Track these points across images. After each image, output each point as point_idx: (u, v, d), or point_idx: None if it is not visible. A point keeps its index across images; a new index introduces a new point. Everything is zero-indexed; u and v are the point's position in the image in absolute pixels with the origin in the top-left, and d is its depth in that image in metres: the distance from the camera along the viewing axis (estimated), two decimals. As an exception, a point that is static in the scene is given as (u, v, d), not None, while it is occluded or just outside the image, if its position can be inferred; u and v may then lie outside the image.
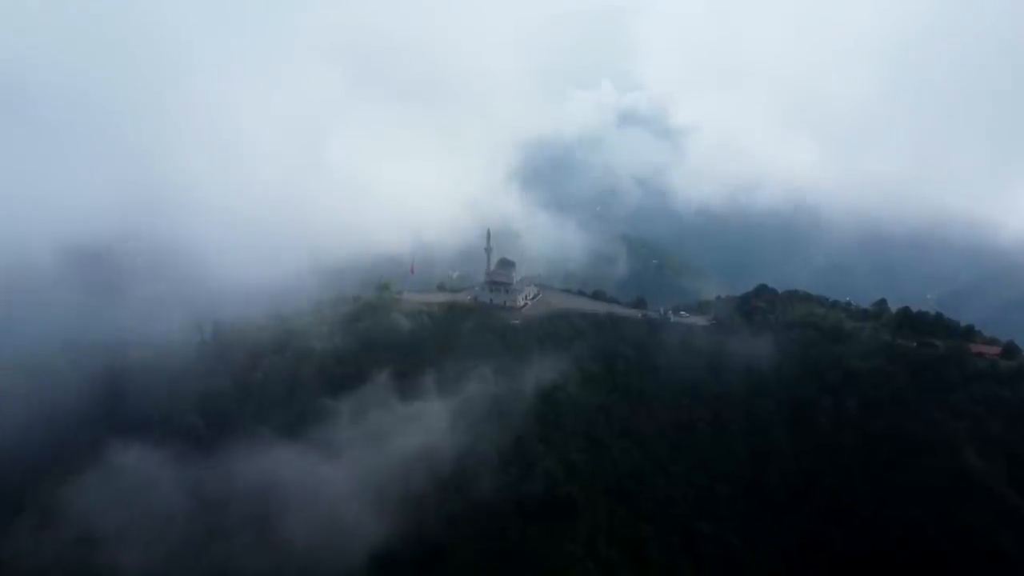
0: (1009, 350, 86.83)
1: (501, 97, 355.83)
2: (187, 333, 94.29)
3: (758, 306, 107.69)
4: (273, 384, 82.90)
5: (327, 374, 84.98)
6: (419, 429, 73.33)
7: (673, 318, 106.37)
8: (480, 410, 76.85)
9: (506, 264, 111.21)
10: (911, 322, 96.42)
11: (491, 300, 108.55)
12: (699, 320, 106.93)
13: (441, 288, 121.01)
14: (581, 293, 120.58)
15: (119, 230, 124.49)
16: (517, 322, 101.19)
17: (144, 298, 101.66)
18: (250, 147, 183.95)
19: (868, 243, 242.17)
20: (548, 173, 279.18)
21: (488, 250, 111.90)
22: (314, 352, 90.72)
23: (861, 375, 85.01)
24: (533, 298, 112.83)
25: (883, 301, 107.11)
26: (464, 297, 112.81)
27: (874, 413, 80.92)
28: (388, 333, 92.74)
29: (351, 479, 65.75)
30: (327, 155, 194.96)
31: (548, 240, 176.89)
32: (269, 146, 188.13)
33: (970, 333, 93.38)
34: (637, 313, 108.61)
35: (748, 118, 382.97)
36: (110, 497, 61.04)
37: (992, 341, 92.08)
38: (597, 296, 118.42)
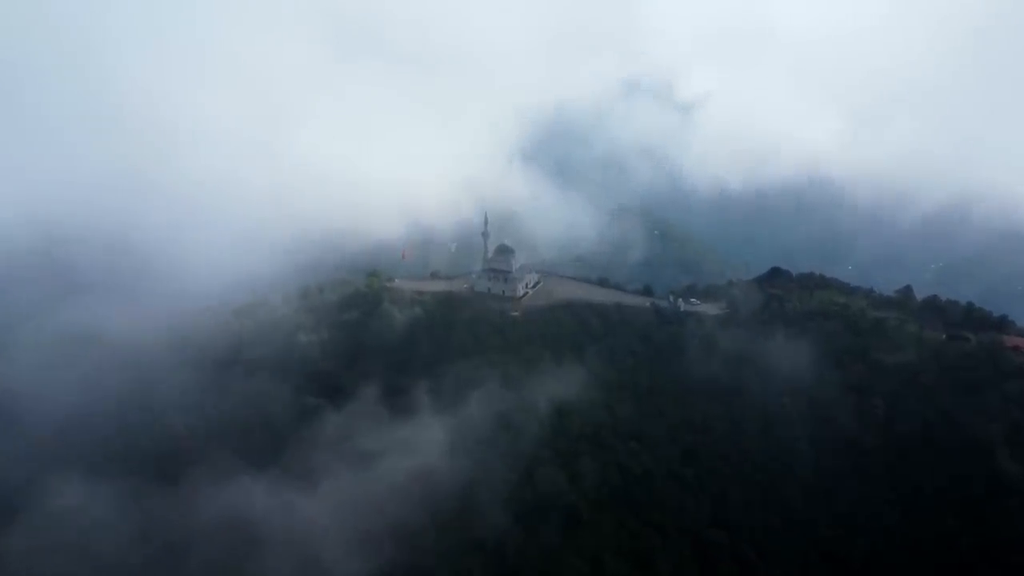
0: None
1: (501, 67, 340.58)
2: (163, 324, 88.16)
3: (774, 293, 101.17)
4: (251, 386, 77.13)
5: (310, 374, 79.24)
6: (408, 434, 67.87)
7: (683, 307, 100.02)
8: (476, 416, 71.36)
9: (505, 251, 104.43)
10: (939, 312, 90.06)
11: (489, 289, 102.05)
12: (711, 309, 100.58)
13: (435, 275, 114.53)
14: (585, 280, 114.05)
15: (85, 218, 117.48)
16: (516, 314, 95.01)
17: (114, 289, 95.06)
18: (229, 124, 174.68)
19: (882, 223, 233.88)
20: (551, 149, 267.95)
21: (485, 235, 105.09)
22: (298, 346, 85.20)
23: (887, 371, 79.71)
24: (534, 286, 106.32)
25: (908, 288, 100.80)
26: (460, 285, 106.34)
27: (901, 413, 76.43)
28: (378, 329, 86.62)
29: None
30: (312, 131, 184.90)
31: (551, 222, 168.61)
32: (249, 121, 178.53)
33: (1004, 325, 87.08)
34: (645, 302, 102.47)
35: (761, 90, 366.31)
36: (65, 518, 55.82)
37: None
38: (602, 283, 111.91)
